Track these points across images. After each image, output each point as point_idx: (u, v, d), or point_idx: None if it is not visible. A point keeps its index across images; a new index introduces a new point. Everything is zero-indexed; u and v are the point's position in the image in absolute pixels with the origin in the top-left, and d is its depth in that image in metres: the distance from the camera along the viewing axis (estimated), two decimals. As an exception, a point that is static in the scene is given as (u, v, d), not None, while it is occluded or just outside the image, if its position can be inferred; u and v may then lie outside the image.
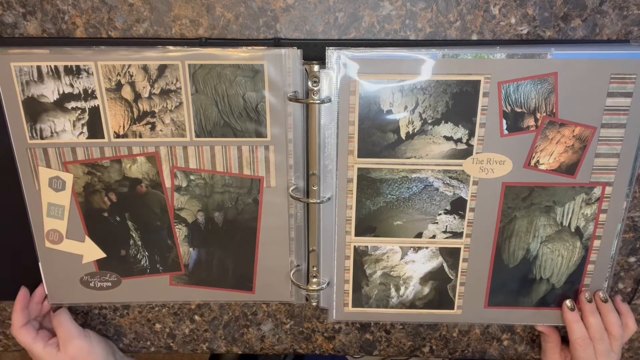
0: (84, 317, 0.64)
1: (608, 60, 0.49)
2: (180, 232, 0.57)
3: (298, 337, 0.65)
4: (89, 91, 0.51)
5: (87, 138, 0.53)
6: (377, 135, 0.52)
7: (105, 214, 0.56)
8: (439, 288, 0.59)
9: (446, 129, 0.52)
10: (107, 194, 0.56)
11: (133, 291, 0.60)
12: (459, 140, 0.52)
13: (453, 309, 0.60)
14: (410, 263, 0.58)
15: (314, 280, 0.59)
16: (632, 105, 0.50)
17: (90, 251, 0.58)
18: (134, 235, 0.57)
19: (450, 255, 0.57)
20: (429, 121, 0.51)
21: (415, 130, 0.52)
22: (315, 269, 0.58)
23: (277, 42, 0.51)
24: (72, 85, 0.51)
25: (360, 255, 0.58)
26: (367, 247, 0.57)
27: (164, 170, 0.54)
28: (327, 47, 0.49)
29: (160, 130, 0.53)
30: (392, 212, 0.55)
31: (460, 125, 0.52)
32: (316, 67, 0.50)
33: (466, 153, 0.53)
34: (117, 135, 0.53)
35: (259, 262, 0.58)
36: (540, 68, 0.49)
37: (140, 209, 0.56)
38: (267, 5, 0.51)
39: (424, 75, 0.50)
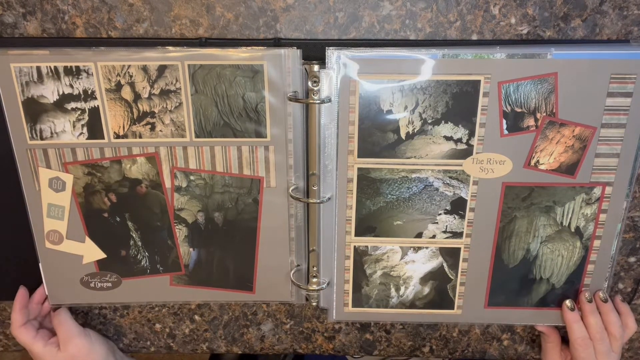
0: (84, 317, 0.64)
1: (608, 60, 0.49)
2: (180, 232, 0.57)
3: (298, 337, 0.65)
4: (89, 92, 0.51)
5: (87, 139, 0.53)
6: (377, 135, 0.52)
7: (106, 215, 0.56)
8: (439, 288, 0.59)
9: (446, 129, 0.52)
10: (107, 195, 0.56)
11: (133, 291, 0.60)
12: (459, 140, 0.52)
13: (453, 309, 0.60)
14: (410, 263, 0.58)
15: (314, 280, 0.59)
16: (632, 105, 0.50)
17: (91, 251, 0.58)
18: (134, 235, 0.57)
19: (450, 255, 0.57)
20: (429, 121, 0.51)
21: (415, 130, 0.52)
22: (315, 269, 0.58)
23: (277, 42, 0.51)
24: (71, 86, 0.51)
25: (360, 255, 0.58)
26: (367, 247, 0.57)
27: (164, 170, 0.54)
28: (327, 47, 0.49)
29: (160, 130, 0.53)
30: (392, 212, 0.55)
31: (460, 125, 0.52)
32: (316, 67, 0.50)
33: (466, 153, 0.53)
34: (117, 136, 0.53)
35: (259, 262, 0.58)
36: (540, 68, 0.49)
37: (140, 209, 0.56)
38: (267, 5, 0.51)
39: (424, 75, 0.50)
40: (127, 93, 0.51)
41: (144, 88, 0.51)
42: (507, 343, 0.65)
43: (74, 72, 0.51)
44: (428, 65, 0.49)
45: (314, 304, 0.61)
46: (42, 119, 0.52)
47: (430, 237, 0.56)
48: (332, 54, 0.49)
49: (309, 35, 0.52)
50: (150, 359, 1.41)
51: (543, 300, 0.59)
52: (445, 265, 0.58)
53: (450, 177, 0.54)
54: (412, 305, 0.60)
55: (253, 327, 0.64)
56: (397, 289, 0.59)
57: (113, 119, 0.52)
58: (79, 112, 0.52)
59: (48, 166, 0.54)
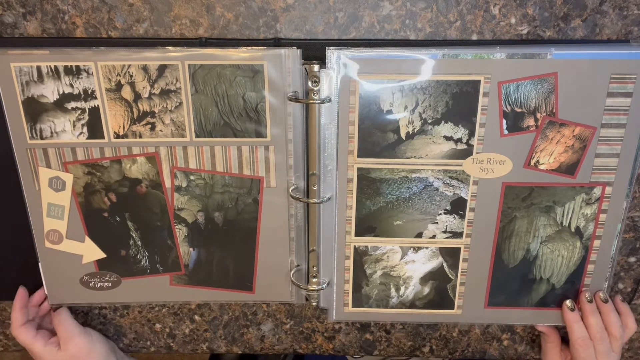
0: (84, 317, 0.64)
1: (608, 60, 0.49)
2: (180, 232, 0.57)
3: (298, 337, 0.65)
4: (89, 91, 0.51)
5: (87, 138, 0.53)
6: (377, 135, 0.52)
7: (105, 214, 0.56)
8: (439, 288, 0.59)
9: (446, 129, 0.52)
10: (107, 194, 0.56)
11: (133, 291, 0.60)
12: (459, 140, 0.52)
13: (453, 309, 0.60)
14: (410, 263, 0.58)
15: (314, 280, 0.59)
16: (632, 105, 0.50)
17: (90, 251, 0.58)
18: (134, 235, 0.57)
19: (450, 255, 0.57)
20: (429, 121, 0.51)
21: (415, 130, 0.52)
22: (315, 269, 0.58)
23: (277, 42, 0.51)
24: (72, 86, 0.51)
25: (360, 255, 0.58)
26: (367, 247, 0.57)
27: (164, 170, 0.54)
28: (327, 47, 0.49)
29: (160, 130, 0.53)
30: (392, 212, 0.55)
31: (460, 125, 0.52)
32: (316, 67, 0.50)
33: (466, 153, 0.53)
34: (117, 136, 0.53)
35: (259, 262, 0.58)
36: (540, 68, 0.49)
37: (140, 209, 0.56)
38: (267, 5, 0.51)
39: (424, 75, 0.50)
40: (127, 93, 0.51)
41: (144, 88, 0.51)
42: (507, 343, 0.65)
43: (74, 72, 0.51)
44: (428, 65, 0.49)
45: (314, 304, 0.61)
46: (42, 118, 0.52)
47: (430, 237, 0.56)
48: (332, 54, 0.49)
49: (309, 35, 0.52)
50: (150, 359, 1.41)
51: (543, 300, 0.59)
52: (445, 265, 0.58)
53: (450, 177, 0.54)
54: (412, 305, 0.60)
55: (253, 327, 0.64)
56: (397, 289, 0.59)
57: (113, 118, 0.52)
58: (79, 112, 0.52)
59: (48, 166, 0.54)
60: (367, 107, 0.51)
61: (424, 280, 0.58)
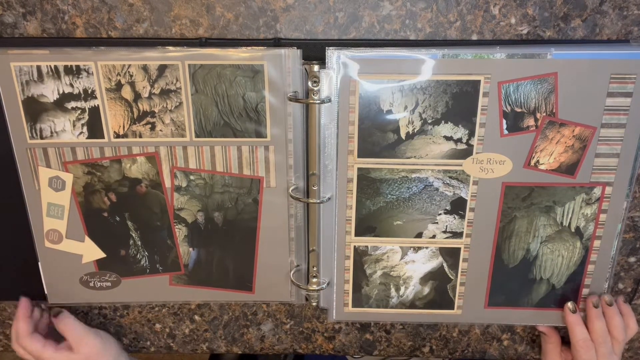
0: (84, 317, 0.64)
1: (608, 60, 0.49)
2: (180, 232, 0.57)
3: (298, 337, 0.65)
4: (89, 91, 0.51)
5: (87, 138, 0.53)
6: (377, 135, 0.52)
7: (105, 214, 0.56)
8: (439, 288, 0.59)
9: (446, 129, 0.52)
10: (107, 194, 0.56)
11: (133, 291, 0.60)
12: (459, 140, 0.52)
13: (453, 309, 0.60)
14: (410, 263, 0.58)
15: (314, 280, 0.59)
16: (632, 105, 0.50)
17: (90, 251, 0.58)
18: (133, 235, 0.57)
19: (450, 255, 0.57)
20: (429, 121, 0.51)
21: (415, 130, 0.52)
22: (315, 269, 0.58)
23: (277, 42, 0.51)
24: (72, 85, 0.51)
25: (360, 255, 0.58)
26: (367, 247, 0.57)
27: (164, 170, 0.54)
28: (327, 47, 0.49)
29: (160, 130, 0.53)
30: (392, 212, 0.55)
31: (460, 125, 0.52)
32: (316, 67, 0.50)
33: (466, 153, 0.53)
34: (117, 135, 0.53)
35: (258, 262, 0.58)
36: (540, 68, 0.49)
37: (140, 209, 0.56)
38: (267, 5, 0.51)
39: (424, 75, 0.50)
40: (127, 92, 0.51)
41: (144, 87, 0.51)
42: (507, 343, 0.65)
43: (74, 72, 0.51)
44: (428, 65, 0.49)
45: (314, 304, 0.61)
46: (42, 118, 0.52)
47: (430, 237, 0.56)
48: (332, 54, 0.49)
49: (309, 35, 0.52)
50: (150, 359, 1.41)
51: (543, 300, 0.59)
52: (445, 265, 0.58)
53: (450, 177, 0.54)
54: (412, 305, 0.60)
55: (253, 327, 0.64)
56: (397, 289, 0.59)
57: (113, 118, 0.52)
58: (79, 112, 0.52)
59: (48, 165, 0.54)
60: (367, 107, 0.51)
61: (424, 280, 0.58)
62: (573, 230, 0.56)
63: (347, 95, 0.51)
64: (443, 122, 0.51)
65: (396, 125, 0.52)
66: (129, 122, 0.53)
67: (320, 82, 0.50)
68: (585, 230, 0.56)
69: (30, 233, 0.57)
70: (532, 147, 0.52)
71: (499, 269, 0.58)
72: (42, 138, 0.53)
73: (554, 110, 0.51)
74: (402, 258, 0.58)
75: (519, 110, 0.51)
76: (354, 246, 0.57)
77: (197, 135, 0.53)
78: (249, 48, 0.50)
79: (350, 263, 0.58)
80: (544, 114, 0.51)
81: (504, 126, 0.51)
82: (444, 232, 0.56)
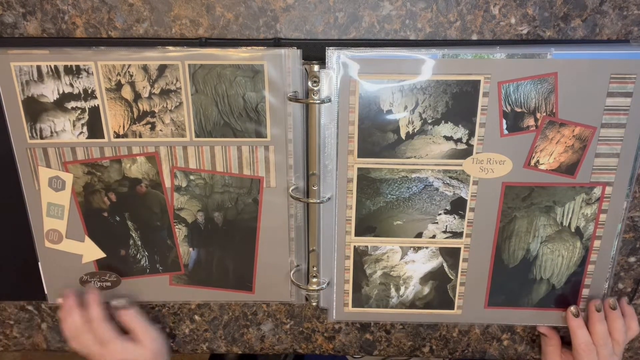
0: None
1: (608, 60, 0.49)
2: (180, 232, 0.57)
3: (298, 337, 0.65)
4: (89, 91, 0.51)
5: (87, 138, 0.53)
6: (377, 135, 0.52)
7: (105, 214, 0.56)
8: (439, 288, 0.59)
9: (446, 129, 0.52)
10: (107, 194, 0.56)
11: (133, 291, 0.60)
12: (459, 140, 0.52)
13: (453, 309, 0.60)
14: (410, 263, 0.58)
15: (314, 280, 0.59)
16: (632, 105, 0.50)
17: (90, 251, 0.58)
18: (133, 235, 0.57)
19: (450, 255, 0.57)
20: (429, 121, 0.51)
21: (415, 130, 0.52)
22: (315, 269, 0.58)
23: (277, 42, 0.51)
24: (72, 85, 0.51)
25: (360, 255, 0.58)
26: (367, 247, 0.57)
27: (164, 170, 0.54)
28: (327, 47, 0.49)
29: (160, 130, 0.53)
30: (392, 212, 0.55)
31: (460, 125, 0.52)
32: (316, 67, 0.50)
33: (466, 153, 0.53)
34: (117, 135, 0.53)
35: (258, 262, 0.58)
36: (540, 68, 0.49)
37: (140, 209, 0.56)
38: (267, 5, 0.51)
39: (424, 75, 0.50)
40: (127, 92, 0.51)
41: (144, 87, 0.51)
42: (507, 343, 0.65)
43: (74, 72, 0.51)
44: (428, 65, 0.49)
45: (314, 304, 0.61)
46: (42, 118, 0.52)
47: (430, 237, 0.56)
48: (332, 54, 0.49)
49: (309, 35, 0.52)
50: None
51: (543, 300, 0.59)
52: (445, 265, 0.58)
53: (450, 177, 0.54)
54: (412, 305, 0.60)
55: (253, 327, 0.64)
56: (397, 289, 0.59)
57: (113, 118, 0.52)
58: (79, 112, 0.52)
59: (48, 165, 0.54)
60: (367, 107, 0.51)
61: (424, 280, 0.58)
62: (573, 230, 0.56)
63: (347, 95, 0.51)
64: (443, 122, 0.51)
65: (396, 125, 0.52)
66: (129, 122, 0.53)
67: (320, 82, 0.50)
68: (585, 230, 0.56)
69: (30, 233, 0.57)
70: (532, 147, 0.52)
71: (499, 269, 0.58)
72: (42, 138, 0.53)
73: (554, 110, 0.51)
74: (402, 258, 0.58)
75: (519, 110, 0.51)
76: (354, 246, 0.57)
77: (197, 135, 0.53)
78: (249, 48, 0.50)
79: (350, 263, 0.58)
80: (544, 114, 0.51)
81: (504, 126, 0.51)
82: (444, 232, 0.56)
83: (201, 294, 0.60)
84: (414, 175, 0.54)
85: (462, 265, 0.57)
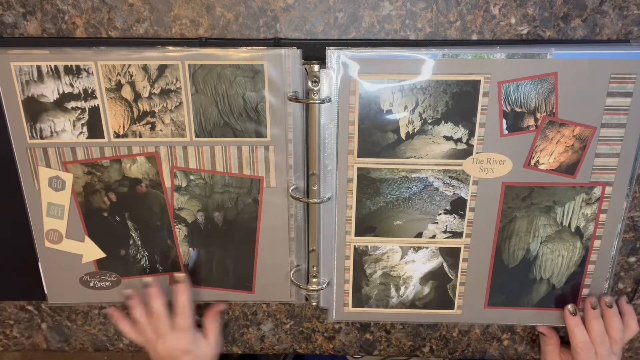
0: (84, 317, 0.64)
1: (608, 60, 0.49)
2: (180, 232, 0.57)
3: (298, 337, 0.65)
4: (89, 91, 0.51)
5: (87, 138, 0.53)
6: (377, 135, 0.52)
7: (105, 214, 0.56)
8: (439, 288, 0.59)
9: (446, 128, 0.52)
10: (107, 194, 0.56)
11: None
12: (459, 140, 0.52)
13: (453, 309, 0.60)
14: (410, 263, 0.58)
15: (314, 280, 0.59)
16: (632, 105, 0.50)
17: (90, 251, 0.58)
18: (133, 235, 0.57)
19: (450, 255, 0.57)
20: (429, 121, 0.51)
21: (415, 130, 0.52)
22: (315, 269, 0.58)
23: (277, 42, 0.51)
24: (72, 85, 0.51)
25: (360, 255, 0.58)
26: (367, 247, 0.57)
27: (164, 170, 0.54)
28: (327, 47, 0.49)
29: (160, 130, 0.53)
30: (392, 212, 0.55)
31: (460, 125, 0.52)
32: (316, 67, 0.50)
33: (466, 153, 0.53)
34: (117, 135, 0.53)
35: (258, 262, 0.58)
36: (540, 68, 0.49)
37: (140, 209, 0.56)
38: (267, 5, 0.51)
39: (424, 75, 0.50)
40: (127, 92, 0.51)
41: (144, 87, 0.51)
42: (507, 343, 0.65)
43: (74, 71, 0.51)
44: (428, 65, 0.49)
45: (314, 304, 0.61)
46: (42, 118, 0.52)
47: (430, 237, 0.56)
48: (332, 54, 0.49)
49: (309, 35, 0.52)
50: (150, 359, 1.40)
51: (543, 300, 0.59)
52: (445, 265, 0.58)
53: (450, 177, 0.54)
54: (412, 305, 0.60)
55: (253, 327, 0.64)
56: (397, 289, 0.59)
57: (113, 118, 0.52)
58: (79, 111, 0.52)
59: (48, 165, 0.54)
60: (367, 107, 0.51)
61: (424, 280, 0.58)
62: (573, 230, 0.56)
63: (347, 95, 0.51)
64: (443, 122, 0.51)
65: (396, 125, 0.52)
66: (129, 122, 0.53)
67: (320, 82, 0.50)
68: (585, 230, 0.56)
69: (30, 233, 0.57)
70: (532, 147, 0.52)
71: (499, 269, 0.58)
72: (42, 138, 0.53)
73: (554, 110, 0.51)
74: (402, 258, 0.58)
75: (519, 110, 0.51)
76: (354, 246, 0.57)
77: (197, 135, 0.53)
78: (249, 48, 0.50)
79: (350, 263, 0.58)
80: (544, 114, 0.51)
81: (504, 126, 0.51)
82: (444, 232, 0.56)
83: (201, 293, 0.60)
84: (414, 175, 0.54)
85: (462, 265, 0.57)
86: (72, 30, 0.52)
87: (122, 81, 0.51)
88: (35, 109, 0.52)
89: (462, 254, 0.57)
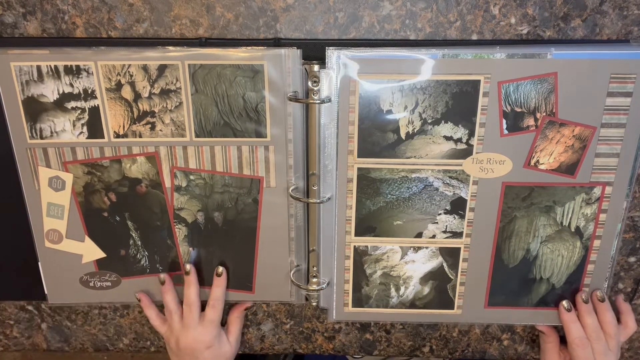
0: (84, 317, 0.64)
1: (608, 60, 0.49)
2: (180, 232, 0.57)
3: (298, 337, 0.65)
4: (89, 91, 0.51)
5: (87, 138, 0.53)
6: (377, 135, 0.52)
7: (105, 214, 0.56)
8: (439, 288, 0.59)
9: (446, 128, 0.52)
10: (107, 194, 0.56)
11: (133, 291, 0.60)
12: (459, 140, 0.52)
13: (453, 309, 0.60)
14: (410, 263, 0.58)
15: (314, 280, 0.59)
16: (632, 105, 0.50)
17: (90, 251, 0.58)
18: (133, 235, 0.57)
19: (450, 255, 0.57)
20: (429, 121, 0.51)
21: (415, 130, 0.52)
22: (315, 269, 0.58)
23: (277, 42, 0.51)
24: (72, 85, 0.51)
25: (360, 255, 0.58)
26: (367, 247, 0.57)
27: (164, 170, 0.54)
28: (327, 47, 0.49)
29: (160, 130, 0.53)
30: (392, 212, 0.55)
31: (460, 125, 0.52)
32: (316, 67, 0.50)
33: (466, 153, 0.53)
34: (117, 135, 0.53)
35: (258, 262, 0.58)
36: (540, 68, 0.49)
37: (140, 209, 0.56)
38: (267, 5, 0.51)
39: (424, 75, 0.50)
40: (127, 92, 0.51)
41: (144, 87, 0.51)
42: (507, 343, 0.65)
43: (74, 71, 0.51)
44: (428, 65, 0.49)
45: (314, 304, 0.61)
46: (42, 118, 0.52)
47: (430, 237, 0.56)
48: (332, 54, 0.49)
49: (309, 35, 0.52)
50: (150, 359, 1.41)
51: (543, 300, 0.59)
52: (445, 265, 0.58)
53: (450, 177, 0.54)
54: (412, 305, 0.60)
55: (253, 327, 0.64)
56: (397, 289, 0.59)
57: (113, 118, 0.52)
58: (79, 111, 0.52)
59: (48, 165, 0.54)
60: (367, 107, 0.51)
61: (424, 280, 0.58)
62: (573, 230, 0.56)
63: (347, 95, 0.51)
64: (443, 122, 0.51)
65: (396, 125, 0.52)
66: (129, 122, 0.53)
67: (320, 82, 0.50)
68: (585, 230, 0.56)
69: (30, 233, 0.57)
70: (532, 147, 0.52)
71: (499, 269, 0.58)
72: (42, 138, 0.53)
73: (554, 110, 0.51)
74: (402, 258, 0.58)
75: (519, 110, 0.51)
76: (354, 246, 0.57)
77: (197, 135, 0.53)
78: (249, 48, 0.50)
79: (350, 263, 0.58)
80: (544, 114, 0.51)
81: (504, 126, 0.51)
82: (444, 232, 0.56)
83: (201, 293, 0.60)
84: (414, 175, 0.54)
85: (462, 265, 0.57)
86: (72, 30, 0.52)
87: (122, 81, 0.51)
88: (35, 109, 0.52)
89: (462, 254, 0.57)
